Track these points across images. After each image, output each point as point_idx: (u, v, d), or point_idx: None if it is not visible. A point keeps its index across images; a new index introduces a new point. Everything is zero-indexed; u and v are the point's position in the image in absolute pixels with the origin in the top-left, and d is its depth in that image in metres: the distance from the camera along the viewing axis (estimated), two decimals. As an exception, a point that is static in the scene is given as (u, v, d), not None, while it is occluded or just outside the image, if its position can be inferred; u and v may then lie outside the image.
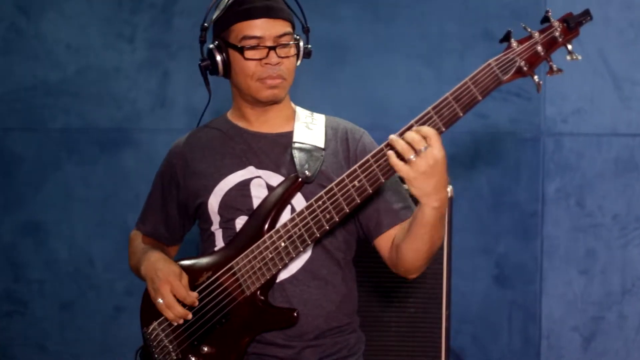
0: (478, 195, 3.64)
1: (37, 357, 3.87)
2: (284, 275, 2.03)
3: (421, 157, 1.69)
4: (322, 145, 2.06)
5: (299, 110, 2.18)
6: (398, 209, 2.05)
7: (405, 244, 1.93)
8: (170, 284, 1.98)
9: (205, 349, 2.03)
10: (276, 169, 2.05)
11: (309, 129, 2.09)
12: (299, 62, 2.10)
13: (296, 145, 2.05)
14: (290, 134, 2.09)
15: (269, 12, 1.99)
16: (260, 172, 2.05)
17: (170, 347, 2.06)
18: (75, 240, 3.84)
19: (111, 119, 3.82)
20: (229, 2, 2.03)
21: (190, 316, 2.01)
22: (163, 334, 2.07)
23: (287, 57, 2.02)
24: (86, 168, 3.83)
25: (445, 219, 1.90)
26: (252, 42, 1.99)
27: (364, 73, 3.70)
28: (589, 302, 3.59)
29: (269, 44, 1.99)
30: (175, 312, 2.00)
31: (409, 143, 1.70)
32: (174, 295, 2.00)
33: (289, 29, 2.02)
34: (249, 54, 2.00)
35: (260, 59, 2.00)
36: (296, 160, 2.02)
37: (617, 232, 3.57)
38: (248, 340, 2.01)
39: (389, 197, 2.05)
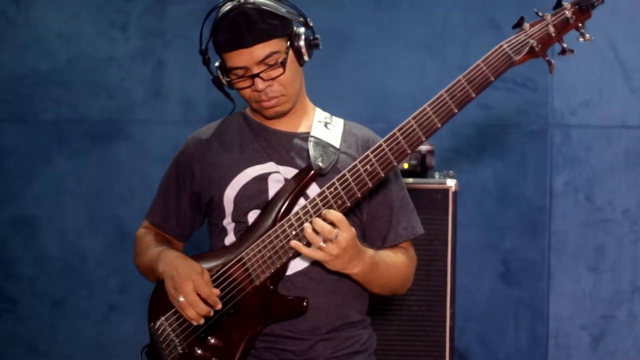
0: (483, 189, 3.62)
1: (27, 356, 3.85)
2: (296, 268, 2.01)
3: (333, 243, 1.83)
4: (337, 145, 2.07)
5: (319, 111, 2.17)
6: (396, 231, 2.11)
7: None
8: (193, 281, 1.96)
9: (212, 340, 2.01)
10: (296, 165, 2.05)
11: (327, 129, 2.11)
12: (307, 58, 2.06)
13: (312, 140, 2.06)
14: (309, 134, 2.10)
15: (244, 42, 1.97)
16: (280, 168, 2.05)
17: (177, 340, 2.04)
18: (67, 235, 3.82)
19: (103, 110, 3.80)
20: (212, 26, 2.02)
21: (212, 313, 1.99)
22: (170, 329, 2.05)
23: (277, 76, 2.00)
24: (78, 161, 3.81)
25: (380, 270, 1.99)
26: (239, 72, 2.01)
27: (365, 63, 3.67)
28: (598, 300, 3.57)
29: (255, 70, 1.99)
30: (198, 310, 1.96)
31: (317, 232, 1.83)
32: (197, 294, 1.99)
33: (273, 47, 1.99)
34: (237, 84, 2.03)
35: (249, 87, 2.01)
36: (310, 152, 2.02)
37: (628, 228, 3.54)
38: (256, 332, 1.99)
39: (395, 218, 2.10)
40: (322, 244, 1.82)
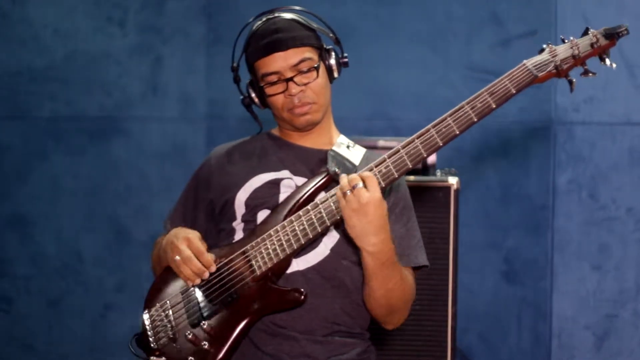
0: (486, 187, 3.60)
1: (22, 356, 3.82)
2: (297, 268, 2.02)
3: (354, 194, 1.84)
4: (356, 163, 2.11)
5: (343, 136, 2.22)
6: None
7: (363, 289, 2.04)
8: (188, 239, 2.01)
9: (205, 326, 2.01)
10: (310, 177, 2.08)
11: (348, 150, 2.15)
12: (336, 75, 2.14)
13: (331, 153, 2.10)
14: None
15: (279, 46, 2.04)
16: (295, 178, 2.10)
17: (168, 326, 2.05)
18: (63, 234, 3.79)
19: (100, 107, 3.77)
20: (246, 40, 2.11)
21: (207, 275, 2.00)
22: (164, 314, 2.07)
23: (309, 82, 2.06)
24: (74, 158, 3.78)
25: (392, 271, 1.97)
26: (272, 78, 2.06)
27: (366, 58, 3.63)
28: (602, 299, 3.54)
29: (288, 75, 2.05)
30: (192, 267, 1.99)
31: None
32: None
33: (306, 54, 2.07)
34: (270, 90, 2.07)
35: (282, 92, 2.06)
36: (328, 160, 2.06)
37: (632, 226, 3.51)
38: (251, 322, 2.00)
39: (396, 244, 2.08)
40: (347, 191, 1.84)
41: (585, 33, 1.90)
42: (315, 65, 2.05)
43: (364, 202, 1.83)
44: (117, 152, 3.76)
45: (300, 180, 2.07)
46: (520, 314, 3.58)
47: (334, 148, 2.11)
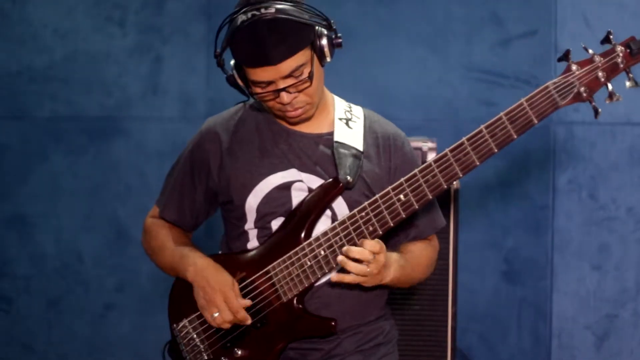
0: (486, 187, 3.58)
1: (22, 356, 3.81)
2: (323, 279, 2.02)
3: (372, 263, 1.87)
4: (361, 148, 2.05)
5: (338, 102, 2.15)
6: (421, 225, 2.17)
7: None
8: (223, 293, 1.98)
9: (239, 352, 2.03)
10: (318, 173, 2.04)
11: (349, 128, 2.08)
12: (329, 59, 1.99)
13: (336, 146, 2.03)
14: (331, 135, 2.07)
15: (271, 58, 1.89)
16: (303, 176, 2.04)
17: (202, 346, 2.05)
18: (63, 234, 3.78)
19: (100, 107, 3.76)
20: (230, 34, 1.93)
21: (249, 321, 2.00)
22: (194, 333, 2.06)
23: (303, 89, 1.96)
24: (74, 158, 3.77)
25: (410, 273, 2.05)
26: (262, 86, 1.95)
27: (365, 58, 3.62)
28: (602, 299, 3.53)
29: (280, 85, 1.93)
30: (232, 323, 2.01)
31: (358, 259, 1.87)
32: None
33: (299, 60, 1.92)
34: (261, 97, 1.97)
35: (273, 99, 1.96)
36: (337, 163, 2.00)
37: (632, 226, 3.50)
38: (283, 346, 2.02)
39: (417, 214, 2.10)
40: (367, 269, 1.86)
41: (607, 40, 1.79)
42: (309, 75, 1.93)
43: (382, 262, 1.88)
44: (117, 152, 3.74)
45: (308, 178, 2.02)
46: (520, 313, 3.57)
47: (337, 137, 2.03)
